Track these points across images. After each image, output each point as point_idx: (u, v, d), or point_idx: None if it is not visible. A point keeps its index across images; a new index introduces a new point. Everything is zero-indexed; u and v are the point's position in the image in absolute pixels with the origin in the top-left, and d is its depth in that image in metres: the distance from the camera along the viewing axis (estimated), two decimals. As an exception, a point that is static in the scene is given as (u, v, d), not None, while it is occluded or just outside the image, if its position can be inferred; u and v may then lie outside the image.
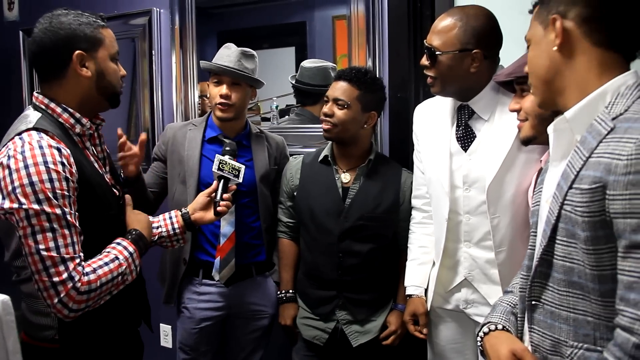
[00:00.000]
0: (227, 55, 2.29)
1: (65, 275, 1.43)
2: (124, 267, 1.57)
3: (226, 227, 2.32)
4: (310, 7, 2.87)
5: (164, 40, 3.17)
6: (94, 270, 1.50)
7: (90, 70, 1.60)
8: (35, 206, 1.41)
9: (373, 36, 2.54)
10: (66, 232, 1.45)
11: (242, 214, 2.34)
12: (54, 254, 1.43)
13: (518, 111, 1.64)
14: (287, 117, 2.96)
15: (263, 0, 2.94)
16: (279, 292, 2.38)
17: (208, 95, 2.39)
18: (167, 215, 1.94)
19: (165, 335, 3.28)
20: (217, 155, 2.03)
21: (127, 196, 1.81)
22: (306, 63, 2.78)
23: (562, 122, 1.23)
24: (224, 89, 2.27)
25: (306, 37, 2.92)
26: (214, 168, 2.00)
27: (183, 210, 1.96)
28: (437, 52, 1.85)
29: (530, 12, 1.33)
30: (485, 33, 1.84)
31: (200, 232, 2.33)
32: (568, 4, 1.18)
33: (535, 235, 1.35)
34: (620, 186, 1.04)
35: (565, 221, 1.17)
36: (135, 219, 1.76)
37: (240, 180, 2.04)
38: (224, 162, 2.00)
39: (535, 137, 1.58)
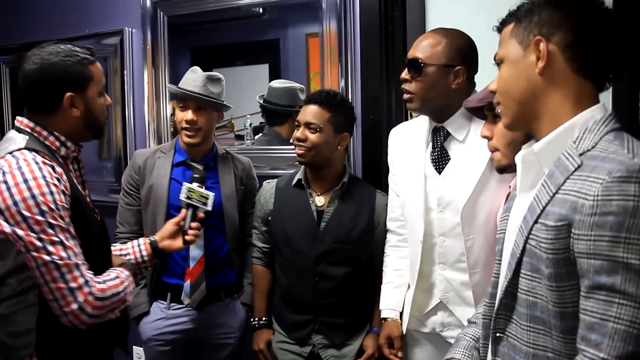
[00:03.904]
0: (193, 80, 2.29)
1: (81, 280, 1.48)
2: (125, 283, 1.64)
3: (195, 251, 2.31)
4: (284, 24, 2.88)
5: (136, 60, 3.14)
6: (104, 281, 1.56)
7: (79, 110, 1.63)
8: (40, 217, 1.44)
9: (345, 54, 2.55)
10: (71, 242, 1.49)
11: (210, 235, 2.33)
12: (68, 261, 1.46)
13: (489, 138, 1.62)
14: (256, 137, 2.97)
15: (237, 17, 2.91)
16: (252, 320, 2.37)
17: (174, 119, 2.39)
18: (135, 242, 1.95)
19: (139, 357, 3.22)
20: (184, 183, 2.02)
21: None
22: (274, 83, 2.79)
23: (530, 154, 1.22)
24: (189, 115, 2.27)
25: (280, 55, 2.92)
26: (182, 196, 2.00)
27: (151, 238, 1.96)
28: (422, 64, 1.85)
29: (498, 29, 1.31)
30: (469, 53, 1.88)
31: (169, 255, 2.30)
32: (552, 27, 1.15)
33: (500, 264, 1.34)
34: (586, 226, 1.03)
35: (530, 255, 1.16)
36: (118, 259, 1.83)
37: (209, 208, 2.03)
38: (192, 190, 2.00)
39: (510, 166, 1.55)
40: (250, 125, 2.98)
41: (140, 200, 2.37)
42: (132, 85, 3.17)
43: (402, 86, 1.93)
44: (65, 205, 1.49)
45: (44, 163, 1.50)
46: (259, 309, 2.36)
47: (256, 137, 2.96)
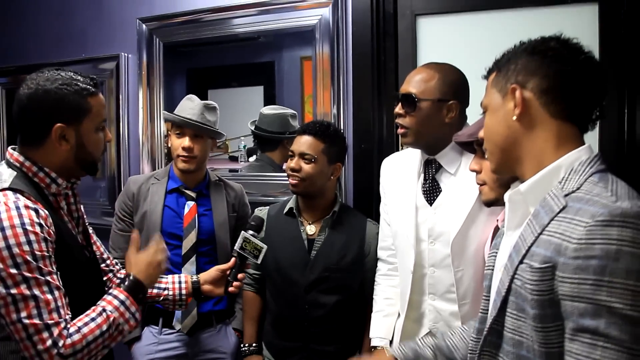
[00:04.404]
0: (191, 107, 2.33)
1: (49, 343, 1.37)
2: (112, 318, 1.49)
3: None
4: (279, 47, 2.90)
5: (131, 84, 3.18)
6: (78, 330, 1.42)
7: (69, 143, 1.53)
8: (13, 271, 1.35)
9: (338, 79, 2.60)
10: (49, 297, 1.38)
11: (202, 262, 2.34)
12: (36, 321, 1.36)
13: (478, 172, 1.65)
14: (250, 159, 3.00)
15: (232, 40, 2.94)
16: (242, 346, 2.38)
17: (169, 145, 2.41)
18: (176, 278, 1.94)
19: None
20: (242, 232, 1.98)
21: (134, 235, 1.77)
22: (265, 110, 2.82)
23: (517, 194, 1.24)
24: (186, 142, 2.30)
25: (274, 77, 2.94)
26: (237, 247, 1.96)
27: (194, 277, 1.97)
28: (416, 99, 1.87)
29: (485, 77, 1.33)
30: (461, 87, 1.91)
31: None
32: (527, 74, 1.19)
33: (488, 299, 1.35)
34: (570, 269, 1.04)
35: (516, 295, 1.17)
36: (134, 262, 1.69)
37: (259, 262, 1.99)
38: (248, 241, 1.95)
39: (497, 200, 1.59)
40: (244, 147, 3.00)
41: (134, 227, 2.38)
42: (127, 107, 3.20)
43: (397, 121, 1.95)
44: (45, 253, 1.40)
45: (27, 207, 1.40)
46: (249, 335, 2.36)
47: (250, 159, 2.98)
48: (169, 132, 2.39)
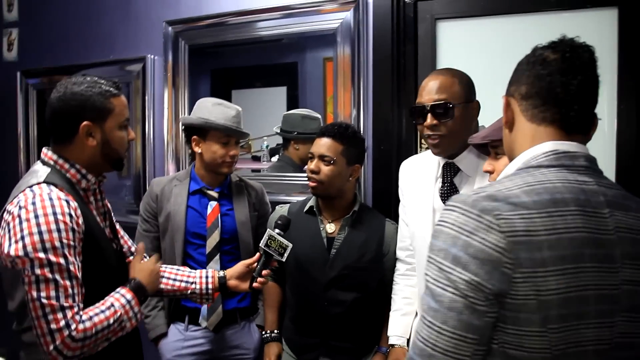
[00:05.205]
0: (234, 116, 2.38)
1: (62, 323, 1.49)
2: (118, 313, 1.62)
3: None
4: (302, 48, 2.93)
5: (157, 85, 3.26)
6: (90, 318, 1.55)
7: (96, 140, 1.69)
8: (41, 255, 1.48)
9: (358, 80, 2.63)
10: (67, 283, 1.51)
11: (226, 260, 2.40)
12: (54, 302, 1.49)
13: (491, 173, 1.68)
14: (272, 161, 3.06)
15: (256, 41, 2.98)
16: (263, 332, 2.43)
17: (197, 150, 2.42)
18: (204, 273, 2.05)
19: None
20: (268, 230, 2.05)
21: (141, 244, 1.88)
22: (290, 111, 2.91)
23: None
24: (235, 150, 2.39)
25: (297, 77, 2.98)
26: (262, 244, 2.02)
27: (221, 273, 2.07)
28: (450, 104, 1.87)
29: None
30: (473, 87, 1.94)
31: None
32: (514, 85, 1.24)
33: None
34: None
35: None
36: (138, 268, 1.81)
37: (284, 260, 2.04)
38: (273, 239, 2.02)
39: None
40: (267, 146, 3.05)
41: (158, 228, 2.45)
42: (153, 107, 3.28)
43: (430, 132, 1.92)
44: (71, 242, 1.53)
45: (59, 198, 1.55)
46: (270, 322, 2.42)
47: (272, 159, 3.03)
48: (200, 137, 2.39)
